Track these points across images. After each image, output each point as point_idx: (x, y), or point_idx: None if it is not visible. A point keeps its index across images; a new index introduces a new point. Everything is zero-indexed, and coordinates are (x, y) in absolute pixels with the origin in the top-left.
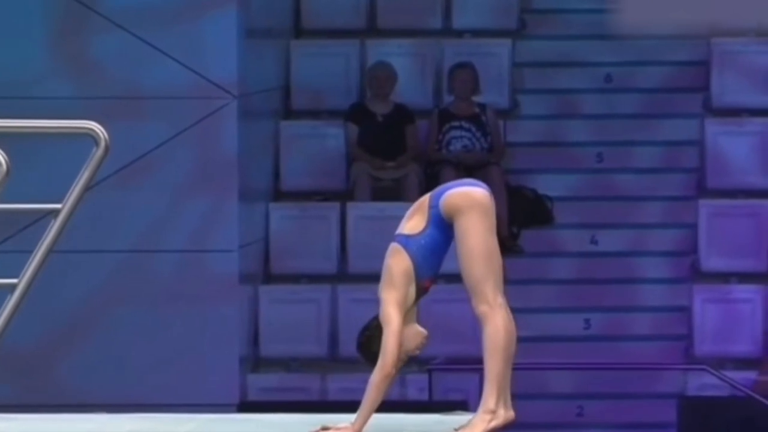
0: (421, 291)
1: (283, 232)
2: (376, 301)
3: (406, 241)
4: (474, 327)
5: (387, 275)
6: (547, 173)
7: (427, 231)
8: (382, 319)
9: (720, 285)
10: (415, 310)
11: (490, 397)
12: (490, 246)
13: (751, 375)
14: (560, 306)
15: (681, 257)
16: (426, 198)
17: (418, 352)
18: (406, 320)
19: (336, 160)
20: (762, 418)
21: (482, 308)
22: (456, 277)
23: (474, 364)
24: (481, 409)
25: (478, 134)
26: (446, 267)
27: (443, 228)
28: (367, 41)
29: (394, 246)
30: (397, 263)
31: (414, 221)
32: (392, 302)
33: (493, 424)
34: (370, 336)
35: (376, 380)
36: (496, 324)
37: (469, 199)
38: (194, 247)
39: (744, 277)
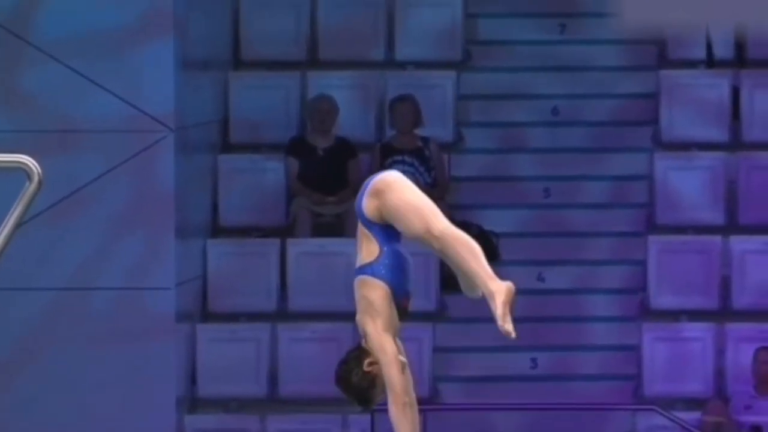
0: (401, 312)
1: (221, 269)
2: (317, 340)
3: (371, 269)
4: (417, 370)
5: (365, 306)
6: (493, 209)
7: (384, 251)
8: (375, 350)
9: (670, 323)
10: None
11: (489, 283)
12: (415, 198)
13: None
14: (506, 344)
15: (630, 294)
16: (360, 227)
17: None
18: None
19: (276, 195)
20: None
21: (437, 230)
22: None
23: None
24: (491, 299)
25: (422, 168)
26: None
27: (393, 238)
28: (308, 73)
29: (361, 279)
30: (373, 291)
31: (366, 250)
32: (381, 330)
33: (506, 298)
34: (348, 369)
35: (396, 415)
36: (455, 233)
37: (375, 189)
38: (130, 285)
39: (694, 315)
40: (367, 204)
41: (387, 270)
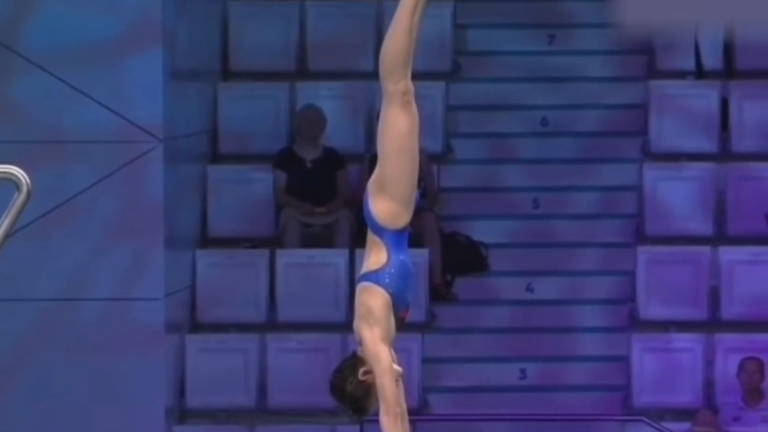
0: (399, 323)
1: (210, 279)
2: (306, 351)
3: (375, 277)
4: (406, 380)
5: (364, 313)
6: (482, 219)
7: (391, 260)
8: (370, 358)
9: (659, 333)
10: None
11: None
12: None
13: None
14: (495, 355)
15: (619, 305)
16: (370, 234)
17: None
18: None
19: (264, 205)
20: None
21: (392, 91)
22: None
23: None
24: None
25: None
26: None
27: (402, 247)
28: (296, 83)
29: (363, 286)
30: (373, 298)
31: (374, 257)
32: (377, 339)
33: None
34: (343, 377)
35: (387, 425)
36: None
37: (371, 187)
38: (119, 296)
39: (683, 326)
40: (374, 204)
41: (391, 279)
